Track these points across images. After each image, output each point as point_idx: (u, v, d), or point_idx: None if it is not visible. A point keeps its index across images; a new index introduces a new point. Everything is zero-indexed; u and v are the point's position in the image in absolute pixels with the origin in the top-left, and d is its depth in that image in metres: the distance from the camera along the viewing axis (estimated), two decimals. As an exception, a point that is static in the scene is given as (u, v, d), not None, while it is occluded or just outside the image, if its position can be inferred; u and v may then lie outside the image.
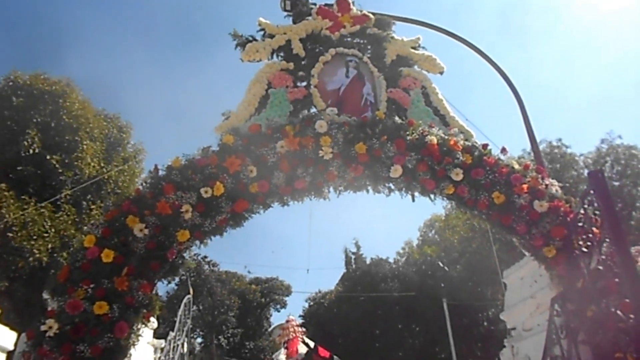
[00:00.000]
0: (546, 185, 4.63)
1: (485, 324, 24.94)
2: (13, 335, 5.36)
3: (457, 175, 4.61)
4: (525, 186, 4.53)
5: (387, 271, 23.68)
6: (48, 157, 10.84)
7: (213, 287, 30.01)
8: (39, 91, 11.44)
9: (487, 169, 4.67)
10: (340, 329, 22.72)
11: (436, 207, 29.22)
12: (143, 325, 3.59)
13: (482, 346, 25.33)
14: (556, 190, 4.62)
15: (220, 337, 30.79)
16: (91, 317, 3.32)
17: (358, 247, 26.78)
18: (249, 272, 35.70)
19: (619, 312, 3.43)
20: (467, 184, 4.64)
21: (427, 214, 27.43)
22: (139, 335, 3.55)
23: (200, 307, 30.64)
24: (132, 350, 3.65)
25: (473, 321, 23.81)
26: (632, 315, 3.26)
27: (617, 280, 3.46)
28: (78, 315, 3.32)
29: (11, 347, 5.30)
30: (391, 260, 26.14)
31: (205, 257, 32.52)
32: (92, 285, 3.41)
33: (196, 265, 29.17)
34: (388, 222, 51.06)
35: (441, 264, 20.06)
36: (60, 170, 10.96)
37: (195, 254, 31.73)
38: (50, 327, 3.31)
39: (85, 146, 11.44)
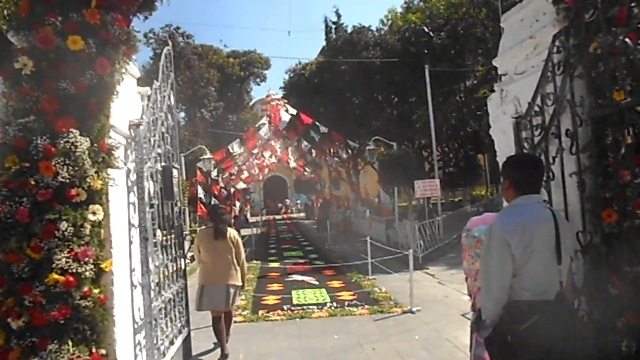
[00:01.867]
0: None
1: (462, 94, 25.73)
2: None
3: None
4: None
5: (369, 39, 23.10)
6: None
7: (190, 60, 29.39)
8: None
9: None
10: (321, 99, 23.22)
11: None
12: (125, 63, 3.37)
13: (457, 115, 26.60)
14: None
15: (202, 110, 31.49)
16: (67, 53, 3.07)
17: (339, 16, 25.60)
18: (225, 45, 34.64)
19: (627, 40, 3.26)
20: None
21: (412, -21, 25.67)
22: (123, 72, 3.35)
23: (180, 81, 30.48)
24: (119, 95, 3.49)
25: (451, 90, 24.48)
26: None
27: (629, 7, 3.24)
28: (52, 52, 3.06)
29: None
30: (374, 28, 25.34)
31: (178, 28, 31.06)
32: (59, 19, 3.08)
33: (169, 36, 27.97)
34: (370, -9, 48.05)
35: (426, 29, 19.51)
36: None
37: (166, 25, 30.20)
38: (25, 65, 3.07)
39: None
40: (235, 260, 5.87)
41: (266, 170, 33.75)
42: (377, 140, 16.86)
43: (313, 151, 22.98)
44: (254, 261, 14.66)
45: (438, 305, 8.08)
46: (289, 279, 11.26)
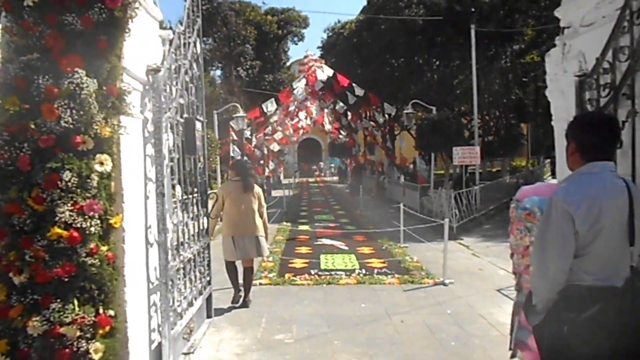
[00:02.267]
0: None
1: (508, 58, 24.38)
2: None
3: None
4: None
5: (412, -3, 21.97)
6: None
7: (227, 16, 28.83)
8: None
9: None
10: (359, 59, 22.42)
11: None
12: (139, -2, 3.02)
13: (500, 82, 25.31)
14: None
15: (238, 69, 31.09)
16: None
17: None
18: (263, 2, 33.90)
19: None
20: None
21: None
22: (136, 8, 2.99)
23: (216, 38, 30.11)
24: (134, 35, 3.15)
25: (496, 54, 23.22)
26: None
27: None
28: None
29: None
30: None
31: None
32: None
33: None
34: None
35: (474, -14, 18.34)
36: None
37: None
38: (28, -6, 2.76)
39: None
40: (258, 213, 6.24)
41: (301, 132, 33.33)
42: (415, 104, 16.16)
43: (349, 113, 22.40)
44: (284, 223, 14.52)
45: (472, 279, 7.69)
46: (318, 243, 11.04)
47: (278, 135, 26.11)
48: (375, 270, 8.13)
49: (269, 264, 8.60)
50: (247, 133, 20.09)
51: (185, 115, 4.45)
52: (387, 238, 11.23)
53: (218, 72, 38.01)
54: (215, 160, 13.82)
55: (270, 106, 18.06)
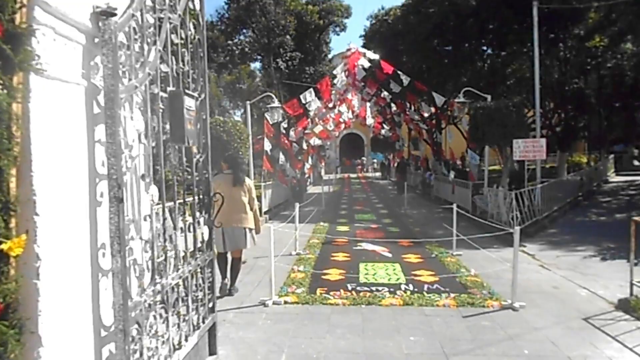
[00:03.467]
0: None
1: (570, 43, 22.12)
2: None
3: None
4: None
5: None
6: None
7: (266, 5, 27.75)
8: None
9: None
10: (405, 45, 20.79)
11: None
12: None
13: (559, 69, 23.07)
14: None
15: (278, 60, 30.00)
16: None
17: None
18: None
19: None
20: None
21: None
22: None
23: (254, 29, 29.13)
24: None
25: (556, 39, 21.00)
26: None
27: None
28: None
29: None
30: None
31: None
32: None
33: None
34: None
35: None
36: None
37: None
38: None
39: None
40: (249, 206, 6.42)
41: (342, 126, 32.07)
42: (468, 93, 14.52)
43: (393, 105, 20.90)
44: (322, 223, 13.27)
45: (548, 300, 6.19)
46: (358, 248, 9.73)
47: (318, 129, 24.90)
48: (426, 286, 6.75)
49: (299, 275, 7.37)
50: (284, 126, 18.95)
51: (170, 89, 3.23)
52: (436, 244, 9.80)
53: (258, 65, 37.21)
54: (246, 154, 12.67)
55: (309, 96, 16.80)
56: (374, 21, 25.45)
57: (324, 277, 7.38)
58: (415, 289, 6.60)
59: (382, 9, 25.28)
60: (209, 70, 38.00)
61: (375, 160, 49.30)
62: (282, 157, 17.26)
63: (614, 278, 7.32)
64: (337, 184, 31.74)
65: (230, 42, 31.75)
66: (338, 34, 36.14)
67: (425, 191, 20.63)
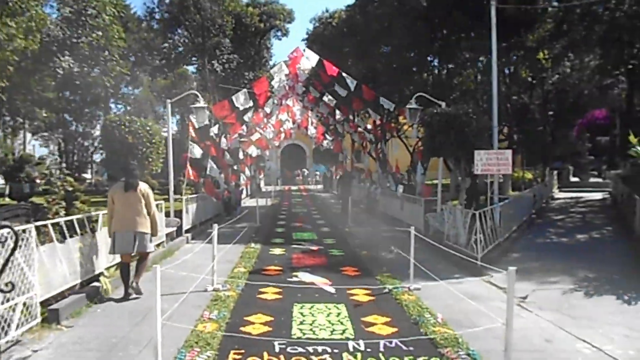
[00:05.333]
0: None
1: (518, 54, 21.36)
2: None
3: None
4: None
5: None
6: None
7: (201, 1, 25.51)
8: None
9: None
10: (351, 47, 19.22)
11: None
12: None
13: (503, 81, 22.33)
14: None
15: (213, 62, 27.71)
16: None
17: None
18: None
19: None
20: None
21: None
22: None
23: (188, 27, 26.74)
24: None
25: (510, 46, 20.11)
26: None
27: None
28: None
29: None
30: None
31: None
32: None
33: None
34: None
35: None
36: None
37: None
38: None
39: None
40: (145, 211, 6.65)
41: (282, 136, 30.23)
42: (420, 98, 13.04)
43: (337, 112, 19.24)
44: (252, 245, 11.22)
45: (547, 366, 4.47)
46: (293, 280, 7.80)
47: (255, 137, 22.88)
48: (382, 344, 4.89)
49: (209, 327, 5.30)
50: (215, 132, 16.78)
51: None
52: (388, 272, 8.04)
53: (192, 68, 34.79)
54: (156, 163, 10.40)
55: (242, 99, 14.73)
56: (317, 24, 23.85)
57: (243, 327, 5.36)
58: (369, 349, 4.74)
59: (327, 11, 23.72)
60: (143, 73, 35.18)
61: (318, 172, 47.82)
62: (211, 166, 15.04)
63: (613, 323, 5.81)
64: (277, 196, 29.71)
65: (166, 44, 29.21)
66: (280, 39, 34.36)
67: (371, 206, 19.03)
